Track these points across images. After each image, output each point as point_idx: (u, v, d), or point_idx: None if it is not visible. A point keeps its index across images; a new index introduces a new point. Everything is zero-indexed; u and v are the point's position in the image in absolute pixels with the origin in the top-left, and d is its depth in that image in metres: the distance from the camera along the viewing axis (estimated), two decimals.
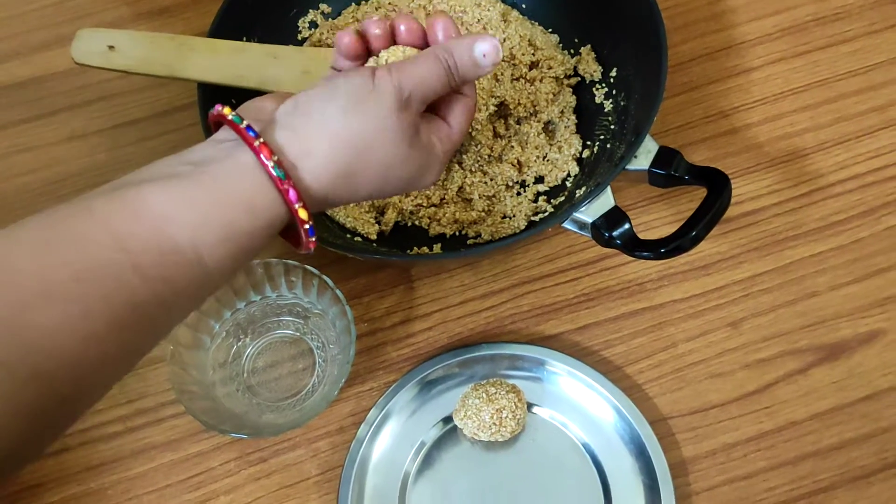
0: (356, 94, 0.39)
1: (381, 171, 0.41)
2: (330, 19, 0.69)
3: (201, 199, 0.35)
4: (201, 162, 0.37)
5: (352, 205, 0.61)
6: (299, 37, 0.68)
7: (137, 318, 0.33)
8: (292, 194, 0.37)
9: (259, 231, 0.37)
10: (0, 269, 0.32)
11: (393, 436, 0.57)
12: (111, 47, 0.56)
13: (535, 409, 0.57)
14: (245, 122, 0.37)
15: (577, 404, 0.57)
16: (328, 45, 0.67)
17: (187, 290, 0.35)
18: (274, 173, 0.36)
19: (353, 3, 0.69)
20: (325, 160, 0.38)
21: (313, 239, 0.40)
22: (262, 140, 0.37)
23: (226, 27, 0.61)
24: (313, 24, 0.68)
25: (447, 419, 0.57)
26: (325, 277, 0.57)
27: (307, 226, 0.38)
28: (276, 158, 0.37)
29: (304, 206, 0.38)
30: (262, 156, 0.36)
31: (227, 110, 0.38)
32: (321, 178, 0.39)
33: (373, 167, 0.40)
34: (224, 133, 0.39)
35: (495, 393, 0.55)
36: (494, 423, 0.54)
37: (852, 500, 0.54)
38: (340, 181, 0.39)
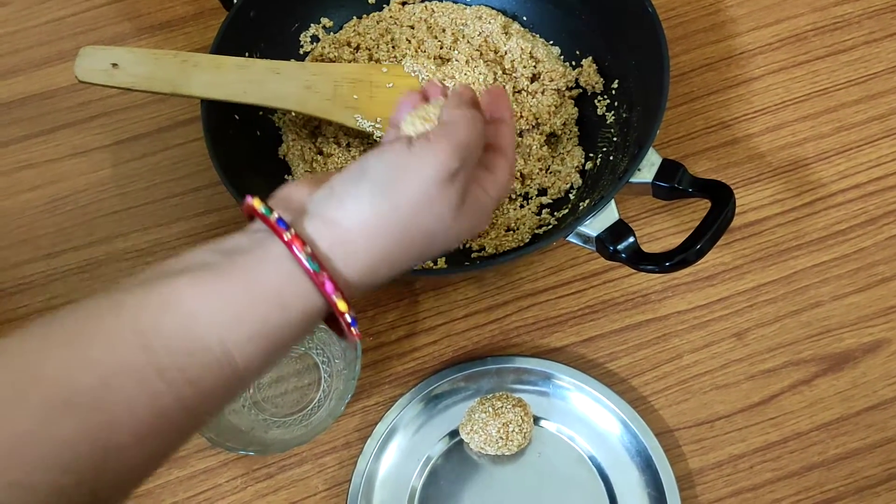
0: (389, 173, 0.37)
1: (426, 242, 0.38)
2: (331, 33, 0.69)
3: (230, 293, 0.33)
4: (232, 252, 0.35)
5: None
6: (301, 51, 0.68)
7: (161, 425, 0.32)
8: (328, 286, 0.35)
9: (292, 324, 0.35)
10: (27, 373, 0.30)
11: (399, 450, 0.57)
12: (114, 65, 0.56)
13: (541, 423, 0.57)
14: (275, 215, 0.36)
15: (584, 417, 0.57)
16: (330, 60, 0.67)
17: (214, 392, 0.33)
18: (307, 265, 0.35)
19: (355, 17, 0.69)
20: (362, 248, 0.36)
21: (356, 331, 0.37)
22: (293, 232, 0.35)
23: (228, 42, 0.61)
24: (315, 39, 0.69)
25: (453, 433, 0.57)
26: None
27: (347, 317, 0.36)
28: (308, 250, 0.35)
29: (343, 297, 0.36)
30: (294, 248, 0.35)
31: (256, 202, 0.36)
32: (359, 267, 0.37)
33: (417, 242, 0.38)
34: (258, 223, 0.37)
35: (501, 407, 0.55)
36: (501, 437, 0.54)
37: None
38: (382, 265, 0.37)
